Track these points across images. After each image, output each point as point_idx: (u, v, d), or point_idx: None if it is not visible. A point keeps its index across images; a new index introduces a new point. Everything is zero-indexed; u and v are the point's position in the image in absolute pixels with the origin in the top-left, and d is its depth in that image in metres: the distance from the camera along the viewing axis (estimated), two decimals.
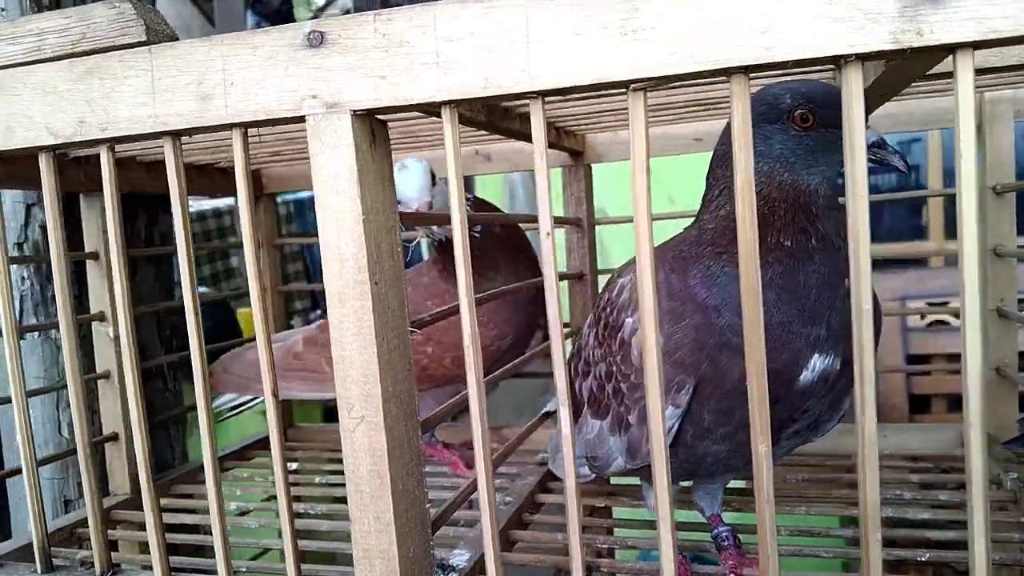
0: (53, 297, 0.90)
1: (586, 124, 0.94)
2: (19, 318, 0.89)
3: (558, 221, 1.01)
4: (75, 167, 0.85)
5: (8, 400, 0.72)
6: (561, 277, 1.05)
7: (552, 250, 0.44)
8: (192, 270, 0.52)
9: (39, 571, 0.67)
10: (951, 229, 2.79)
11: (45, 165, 0.54)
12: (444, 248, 0.92)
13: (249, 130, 0.49)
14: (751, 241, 0.40)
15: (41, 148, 0.53)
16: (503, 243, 0.92)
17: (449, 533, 0.77)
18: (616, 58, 0.41)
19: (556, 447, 0.77)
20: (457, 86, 0.43)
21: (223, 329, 1.91)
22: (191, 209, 0.64)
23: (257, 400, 1.02)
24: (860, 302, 0.40)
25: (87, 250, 0.89)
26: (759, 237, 0.40)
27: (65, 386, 0.92)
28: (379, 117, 0.48)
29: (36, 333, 0.90)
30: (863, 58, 0.38)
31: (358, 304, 0.46)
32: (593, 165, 1.05)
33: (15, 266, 0.89)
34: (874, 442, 0.39)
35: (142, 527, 0.89)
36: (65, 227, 0.88)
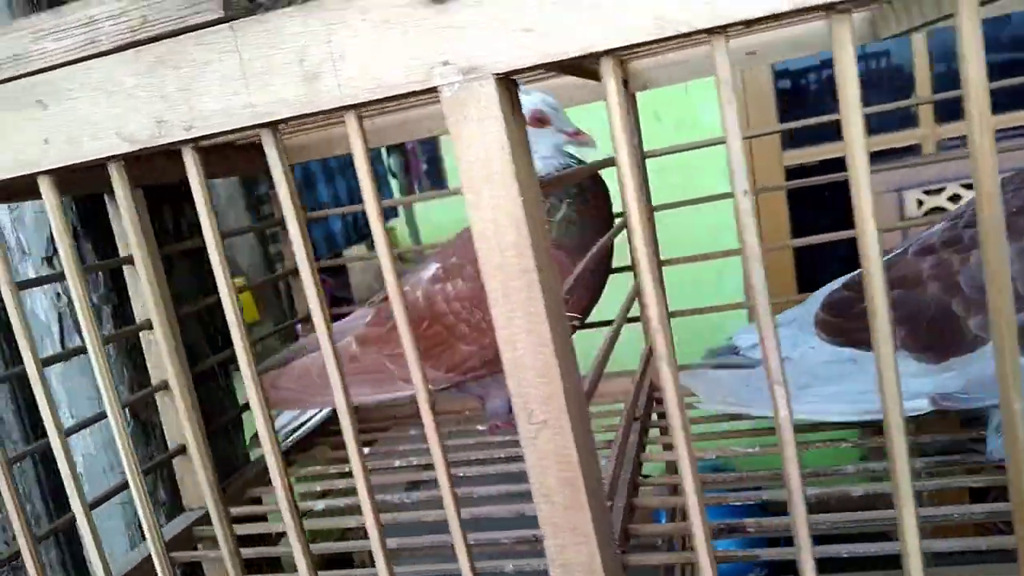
0: (95, 308, 0.83)
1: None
2: (62, 338, 0.82)
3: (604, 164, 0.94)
4: (97, 165, 0.76)
5: (71, 431, 0.66)
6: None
7: (751, 212, 0.38)
8: (314, 273, 0.45)
9: None
10: (941, 113, 2.76)
11: (118, 176, 0.47)
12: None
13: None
14: None
15: (113, 158, 0.46)
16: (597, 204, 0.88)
17: None
18: None
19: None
20: (623, 31, 0.37)
21: None
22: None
23: (317, 414, 0.95)
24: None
25: (122, 254, 0.82)
26: None
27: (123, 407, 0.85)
28: (513, 77, 0.41)
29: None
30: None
31: (526, 297, 0.40)
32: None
33: (47, 286, 0.81)
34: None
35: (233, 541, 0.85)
36: (89, 235, 0.82)
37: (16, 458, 0.74)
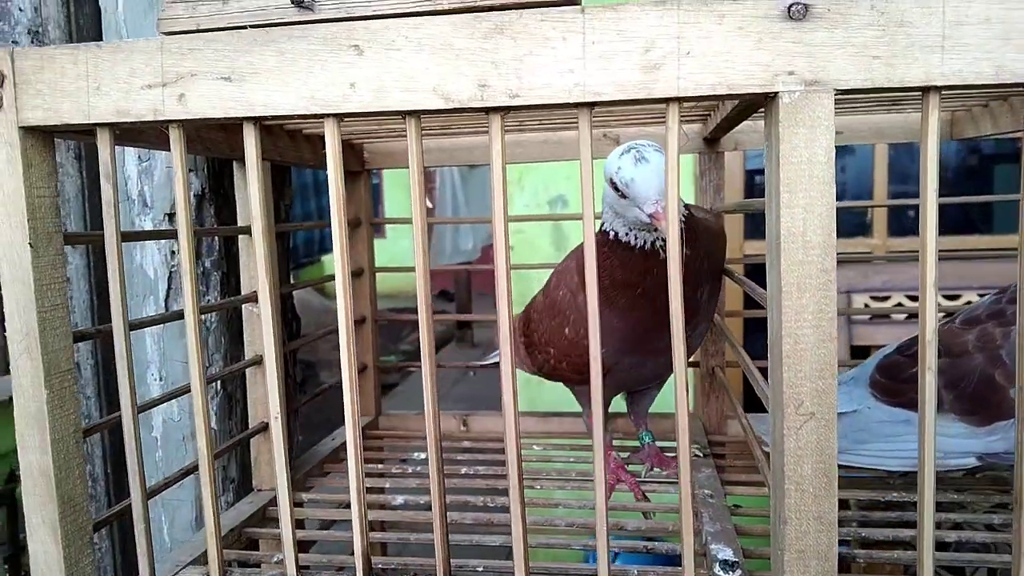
0: (204, 274, 0.82)
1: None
2: (167, 297, 0.80)
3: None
4: (220, 130, 0.74)
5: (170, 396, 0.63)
6: None
7: None
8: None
9: None
10: (894, 228, 2.95)
11: (415, 132, 0.48)
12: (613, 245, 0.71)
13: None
14: None
15: (414, 112, 0.48)
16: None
17: (669, 527, 0.76)
18: None
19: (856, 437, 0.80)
20: (960, 72, 0.42)
21: None
22: None
23: None
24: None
25: (241, 223, 0.81)
26: None
27: (216, 378, 0.83)
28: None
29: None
30: None
31: (820, 295, 0.44)
32: None
33: (163, 241, 0.80)
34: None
35: (299, 524, 0.83)
36: (213, 200, 0.81)
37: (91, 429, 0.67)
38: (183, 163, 0.51)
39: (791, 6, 0.43)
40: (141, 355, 0.81)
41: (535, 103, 0.46)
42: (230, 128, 0.74)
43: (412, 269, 0.99)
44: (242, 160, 0.81)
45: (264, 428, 0.83)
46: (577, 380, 0.82)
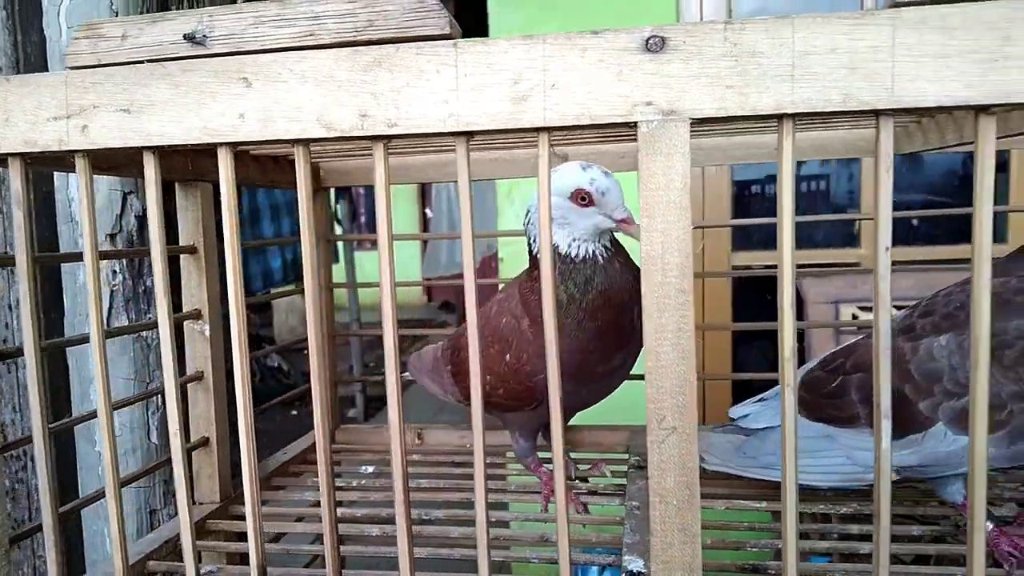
0: (146, 293, 0.84)
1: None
2: (108, 315, 0.82)
3: None
4: (175, 153, 0.77)
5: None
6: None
7: (888, 266, 0.45)
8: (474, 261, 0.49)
9: None
10: None
11: (303, 158, 0.50)
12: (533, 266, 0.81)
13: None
14: None
15: (301, 141, 0.50)
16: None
17: (591, 538, 0.77)
18: (984, 82, 0.42)
19: (754, 451, 0.82)
20: (810, 100, 0.44)
21: None
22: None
23: None
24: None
25: (182, 243, 0.83)
26: None
27: (156, 392, 0.85)
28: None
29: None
30: None
31: (679, 315, 0.46)
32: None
33: (106, 261, 0.82)
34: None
35: (237, 536, 0.85)
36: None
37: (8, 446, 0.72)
38: (88, 190, 0.53)
39: (649, 39, 0.44)
40: (85, 372, 0.83)
41: (413, 132, 0.48)
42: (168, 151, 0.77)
43: (371, 285, 1.01)
44: (182, 181, 0.84)
45: (204, 443, 0.85)
46: (510, 407, 0.83)
